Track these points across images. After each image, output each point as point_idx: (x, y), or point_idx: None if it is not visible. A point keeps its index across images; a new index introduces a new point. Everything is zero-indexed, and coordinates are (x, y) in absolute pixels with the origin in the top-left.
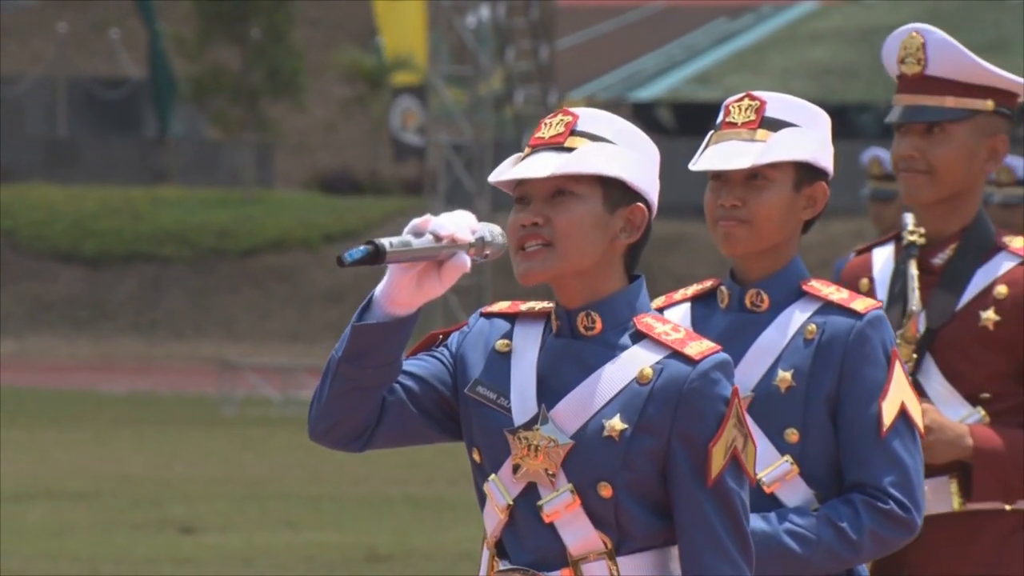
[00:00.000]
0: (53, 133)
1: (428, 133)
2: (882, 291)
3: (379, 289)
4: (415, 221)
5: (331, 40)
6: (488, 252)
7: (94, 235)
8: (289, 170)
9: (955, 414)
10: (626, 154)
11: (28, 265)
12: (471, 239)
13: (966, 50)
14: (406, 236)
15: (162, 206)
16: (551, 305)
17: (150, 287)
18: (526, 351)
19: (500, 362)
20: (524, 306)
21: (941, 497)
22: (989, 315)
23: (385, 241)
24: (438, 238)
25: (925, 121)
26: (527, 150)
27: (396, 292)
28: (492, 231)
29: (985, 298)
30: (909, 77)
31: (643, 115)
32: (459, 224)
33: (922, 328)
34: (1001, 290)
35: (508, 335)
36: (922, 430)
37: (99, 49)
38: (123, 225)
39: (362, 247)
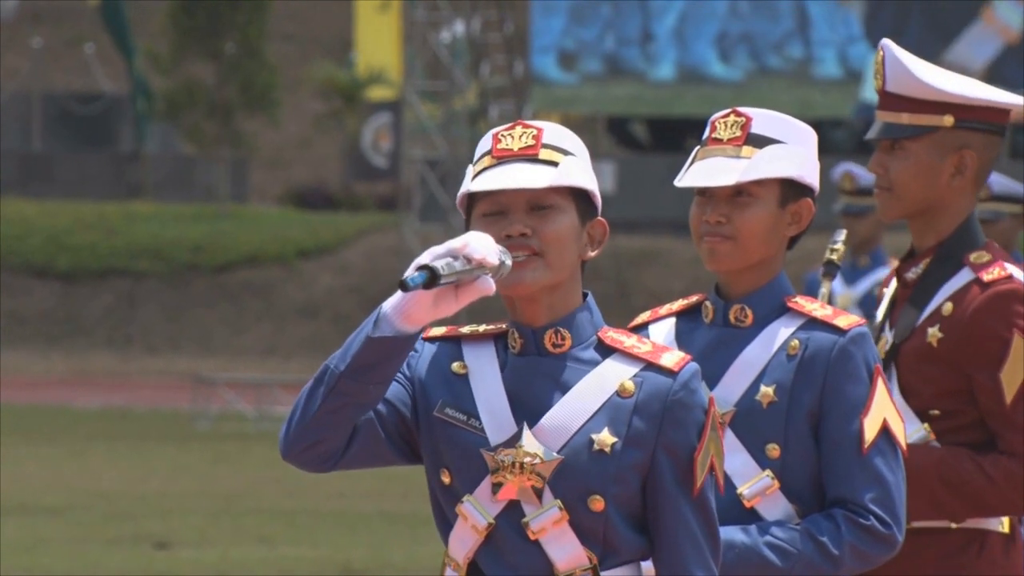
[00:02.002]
0: (27, 148)
1: (402, 148)
2: (885, 302)
3: (390, 304)
4: (452, 244)
5: (306, 55)
6: (502, 273)
7: (68, 250)
8: (264, 185)
9: (908, 429)
10: (588, 168)
11: (2, 280)
12: (497, 262)
13: (914, 67)
14: (448, 259)
15: (136, 221)
16: (495, 327)
17: (124, 302)
18: (485, 371)
19: (460, 384)
20: (465, 329)
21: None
22: (934, 332)
23: (438, 265)
24: (469, 260)
25: (887, 138)
26: (491, 160)
27: (414, 309)
28: (506, 253)
29: (936, 314)
30: (879, 92)
31: (617, 131)
32: (488, 248)
33: (889, 344)
34: (947, 307)
35: (459, 356)
36: (904, 448)
37: (74, 64)
38: (97, 240)
39: (420, 272)
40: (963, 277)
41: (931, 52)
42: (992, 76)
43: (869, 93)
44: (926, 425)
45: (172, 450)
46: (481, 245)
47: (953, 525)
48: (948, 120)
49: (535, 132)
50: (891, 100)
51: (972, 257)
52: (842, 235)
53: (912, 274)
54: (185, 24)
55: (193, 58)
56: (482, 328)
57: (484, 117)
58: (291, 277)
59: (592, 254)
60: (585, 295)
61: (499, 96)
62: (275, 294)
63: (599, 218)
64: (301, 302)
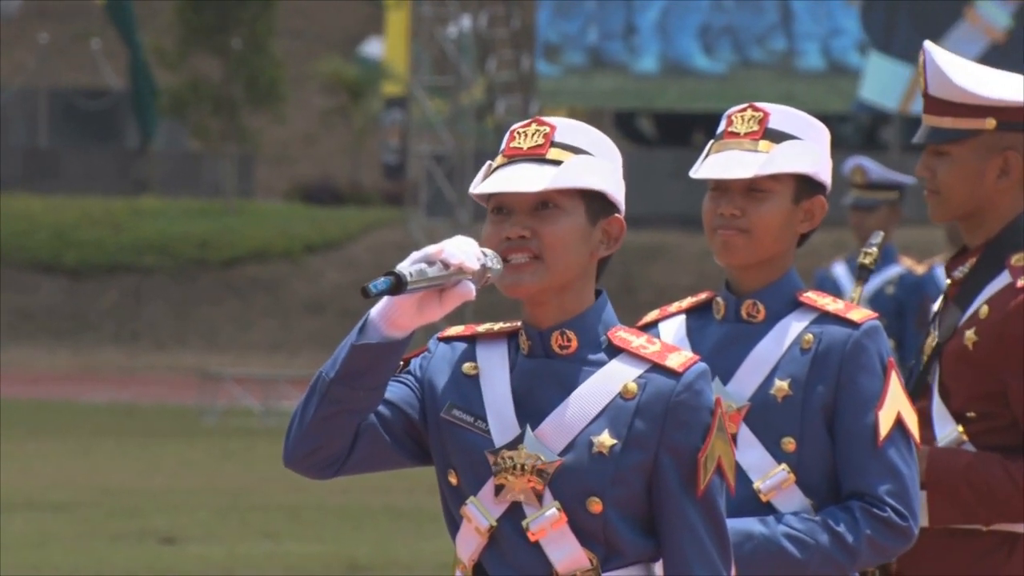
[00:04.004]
0: (34, 143)
1: (409, 143)
2: (941, 297)
3: (376, 310)
4: (427, 250)
5: (312, 51)
6: (489, 276)
7: (75, 246)
8: (270, 181)
9: (943, 429)
10: (604, 166)
11: (8, 276)
12: (477, 267)
13: (952, 72)
14: (420, 264)
15: (143, 217)
16: (511, 324)
17: (131, 298)
18: (494, 372)
19: (470, 385)
20: (481, 328)
21: (923, 512)
22: (971, 335)
23: (405, 271)
24: (447, 266)
25: (932, 142)
26: (502, 159)
27: (397, 315)
28: (492, 257)
29: (974, 317)
30: (923, 96)
31: (624, 125)
32: (467, 252)
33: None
34: (983, 310)
35: (472, 357)
36: (918, 440)
37: (80, 60)
38: (104, 236)
39: (385, 279)
40: (1002, 280)
41: (919, 52)
42: None
43: (867, 92)
44: (960, 427)
45: (179, 446)
46: (459, 250)
47: (984, 528)
48: (990, 123)
49: (547, 131)
50: (934, 104)
51: (1013, 259)
52: (878, 238)
53: (959, 273)
54: (191, 20)
55: (199, 54)
56: (497, 327)
57: (491, 112)
58: (298, 272)
59: (607, 252)
60: (599, 293)
61: (506, 91)
62: (282, 289)
63: (616, 215)
64: (308, 297)
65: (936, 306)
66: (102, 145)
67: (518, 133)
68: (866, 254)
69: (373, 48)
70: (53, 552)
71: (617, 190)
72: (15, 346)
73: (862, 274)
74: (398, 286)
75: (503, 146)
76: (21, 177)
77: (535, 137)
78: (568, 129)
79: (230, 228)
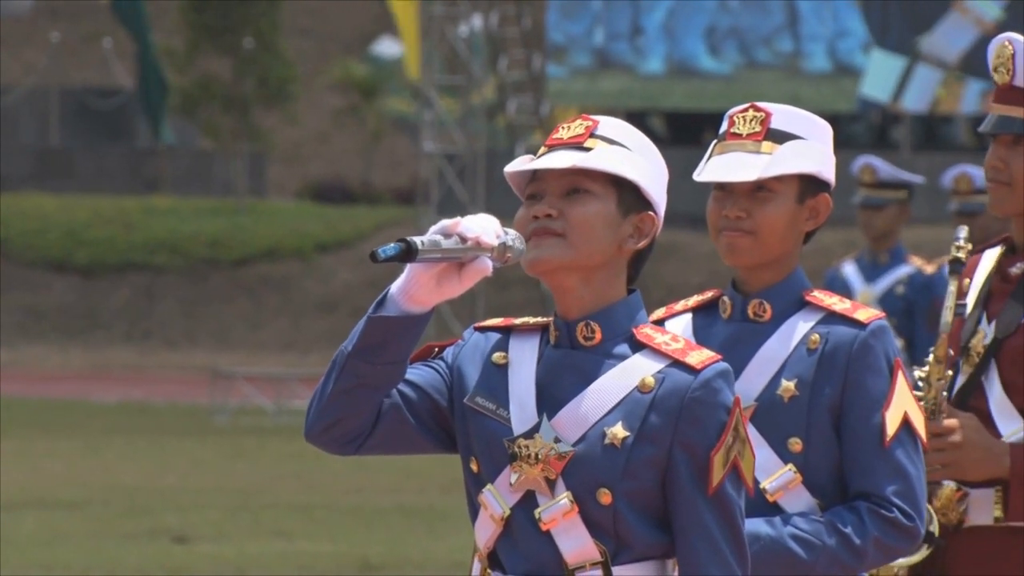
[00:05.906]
0: (45, 143)
1: (420, 142)
2: (974, 294)
3: (396, 285)
4: (444, 222)
5: (324, 50)
6: (509, 256)
7: (86, 244)
8: (281, 180)
9: (1009, 427)
10: (641, 162)
11: (20, 274)
12: (495, 243)
13: None
14: (435, 236)
15: (155, 216)
16: (546, 319)
17: (143, 296)
18: (523, 363)
19: (497, 374)
20: (518, 321)
21: (985, 509)
22: None
23: (417, 240)
24: (464, 240)
25: (1009, 133)
26: (543, 149)
27: (415, 289)
28: (514, 237)
29: None
30: (1000, 86)
31: (635, 124)
32: (485, 228)
33: (988, 338)
34: None
35: (504, 348)
36: (925, 440)
37: (92, 59)
38: (116, 234)
39: (395, 244)
40: None
41: (910, 44)
42: (967, 66)
43: (866, 88)
44: None
45: (190, 444)
46: (476, 225)
47: None
48: None
49: (589, 124)
50: (1020, 95)
51: None
52: (964, 231)
53: (1017, 269)
54: (200, 20)
55: (209, 53)
56: (532, 320)
57: (502, 112)
58: (309, 271)
59: (636, 246)
60: (632, 291)
61: (517, 90)
62: (293, 288)
63: (649, 213)
64: (319, 296)
65: (970, 303)
66: (113, 144)
67: (563, 127)
68: (958, 248)
69: (386, 47)
70: (64, 551)
71: (652, 187)
72: (26, 344)
73: (955, 268)
74: (408, 253)
75: (547, 138)
76: (33, 176)
77: (577, 129)
78: (611, 125)
79: (242, 227)
